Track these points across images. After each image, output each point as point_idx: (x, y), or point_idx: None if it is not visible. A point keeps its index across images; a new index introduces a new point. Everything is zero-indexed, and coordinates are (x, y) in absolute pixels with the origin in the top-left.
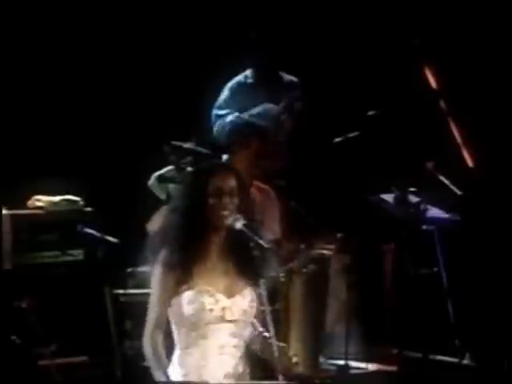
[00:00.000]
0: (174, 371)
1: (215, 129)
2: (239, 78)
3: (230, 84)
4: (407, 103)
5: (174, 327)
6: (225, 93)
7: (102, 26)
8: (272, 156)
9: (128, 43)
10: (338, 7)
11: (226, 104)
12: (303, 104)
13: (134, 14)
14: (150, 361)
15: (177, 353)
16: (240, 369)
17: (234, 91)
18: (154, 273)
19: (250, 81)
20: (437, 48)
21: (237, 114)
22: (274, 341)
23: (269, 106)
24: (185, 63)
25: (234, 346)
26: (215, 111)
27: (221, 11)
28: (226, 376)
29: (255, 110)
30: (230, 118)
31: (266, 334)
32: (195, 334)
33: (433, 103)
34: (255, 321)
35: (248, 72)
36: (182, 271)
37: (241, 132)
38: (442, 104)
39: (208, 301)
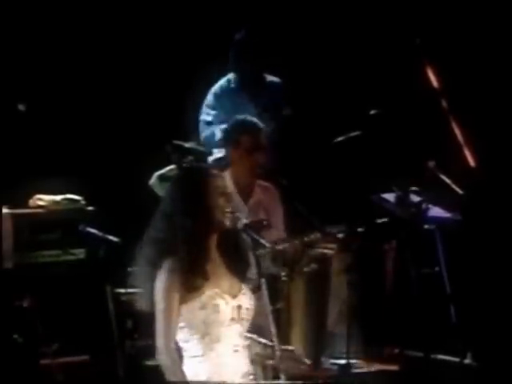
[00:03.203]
0: (195, 377)
1: (203, 136)
2: (222, 82)
3: (213, 89)
4: (408, 103)
5: (186, 336)
6: (209, 98)
7: (103, 26)
8: (265, 150)
9: (128, 43)
10: (340, 7)
11: (212, 109)
12: (289, 109)
13: (135, 14)
14: (171, 373)
15: (193, 361)
16: (249, 368)
17: (217, 96)
18: (159, 286)
19: (232, 85)
20: (438, 47)
21: (224, 126)
22: (276, 345)
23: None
24: (185, 63)
25: (244, 346)
26: (203, 117)
27: (207, 13)
28: (244, 376)
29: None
30: (217, 131)
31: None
32: (208, 339)
33: (434, 103)
34: (255, 336)
35: (230, 76)
36: (192, 277)
37: (229, 131)
38: (444, 103)
39: (220, 303)
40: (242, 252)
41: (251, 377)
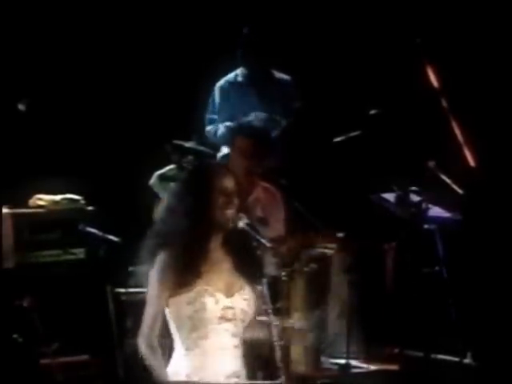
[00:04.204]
0: (175, 373)
1: (207, 131)
2: (229, 76)
3: (219, 84)
4: (409, 102)
5: (174, 329)
6: (215, 93)
7: (103, 25)
8: (261, 154)
9: (127, 43)
10: (340, 6)
11: (217, 105)
12: (299, 102)
13: (135, 13)
14: (149, 360)
15: (177, 355)
16: (239, 368)
17: (224, 90)
18: (152, 274)
19: (240, 79)
20: (438, 47)
21: (228, 123)
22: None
23: (260, 115)
24: (185, 62)
25: (235, 346)
26: (208, 115)
27: (214, 8)
28: (228, 376)
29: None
30: (221, 127)
31: (262, 318)
32: (196, 335)
33: (434, 102)
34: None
35: (239, 71)
36: (184, 273)
37: (228, 131)
38: (444, 103)
39: (208, 301)
40: (250, 252)
41: (237, 379)
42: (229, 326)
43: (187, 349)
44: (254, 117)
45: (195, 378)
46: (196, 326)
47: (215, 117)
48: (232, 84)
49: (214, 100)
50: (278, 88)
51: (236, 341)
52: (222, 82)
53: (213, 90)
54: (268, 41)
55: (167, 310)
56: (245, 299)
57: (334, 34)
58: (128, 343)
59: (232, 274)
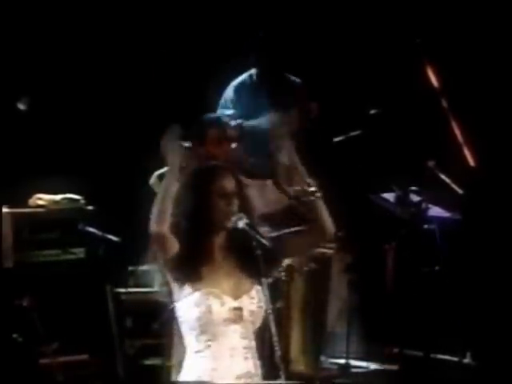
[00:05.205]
0: (187, 376)
1: None
2: (244, 77)
3: (234, 83)
4: (409, 102)
5: (184, 332)
6: (229, 92)
7: (103, 23)
8: (234, 138)
9: (129, 42)
10: (340, 6)
11: (231, 103)
12: (312, 104)
13: (138, 10)
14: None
15: (189, 357)
16: (252, 370)
17: (237, 90)
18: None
19: (253, 80)
20: (438, 47)
21: (240, 120)
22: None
23: (273, 116)
24: (188, 62)
25: (245, 348)
26: (220, 111)
27: (228, 9)
28: (238, 377)
29: (259, 120)
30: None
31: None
32: (205, 338)
33: (434, 102)
34: None
35: (253, 71)
36: (188, 274)
37: (195, 127)
38: (444, 103)
39: (214, 303)
40: (251, 252)
41: (248, 379)
42: (237, 327)
43: (197, 351)
44: (265, 119)
45: (206, 380)
46: (204, 328)
47: (228, 113)
48: (246, 85)
49: (226, 98)
50: (290, 91)
51: (246, 342)
52: (236, 81)
53: (227, 88)
54: (282, 44)
55: (177, 313)
56: (254, 301)
57: (334, 34)
58: (128, 343)
59: (238, 274)
